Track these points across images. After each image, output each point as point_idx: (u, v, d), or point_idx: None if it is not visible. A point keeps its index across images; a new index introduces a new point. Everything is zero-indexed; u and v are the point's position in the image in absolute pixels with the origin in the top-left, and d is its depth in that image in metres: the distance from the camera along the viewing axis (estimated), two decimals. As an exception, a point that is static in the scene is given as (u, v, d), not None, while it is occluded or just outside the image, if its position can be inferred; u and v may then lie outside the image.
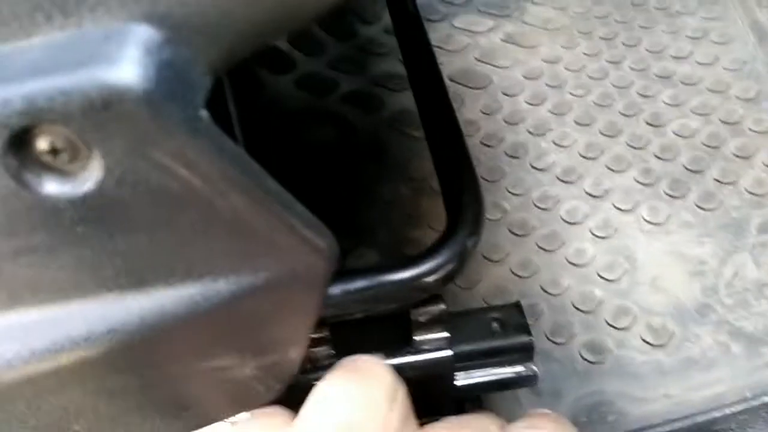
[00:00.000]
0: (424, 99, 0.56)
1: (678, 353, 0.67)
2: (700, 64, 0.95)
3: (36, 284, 0.29)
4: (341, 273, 0.40)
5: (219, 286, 0.31)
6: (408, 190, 0.84)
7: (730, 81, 0.92)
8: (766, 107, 0.88)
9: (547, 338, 0.69)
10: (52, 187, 0.26)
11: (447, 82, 0.98)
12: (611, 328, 0.70)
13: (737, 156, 0.83)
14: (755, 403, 0.54)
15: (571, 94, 0.94)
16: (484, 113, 0.93)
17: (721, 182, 0.80)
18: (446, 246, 0.42)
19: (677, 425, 0.59)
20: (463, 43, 1.04)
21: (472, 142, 0.89)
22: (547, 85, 0.95)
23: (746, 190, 0.79)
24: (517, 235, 0.79)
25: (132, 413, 0.35)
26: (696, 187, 0.80)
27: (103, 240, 0.28)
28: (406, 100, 0.94)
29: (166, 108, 0.24)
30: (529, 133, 0.90)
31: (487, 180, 0.85)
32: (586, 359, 0.67)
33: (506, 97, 0.95)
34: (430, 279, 0.41)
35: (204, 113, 0.26)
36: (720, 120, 0.87)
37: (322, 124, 0.94)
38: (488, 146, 0.89)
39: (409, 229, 0.80)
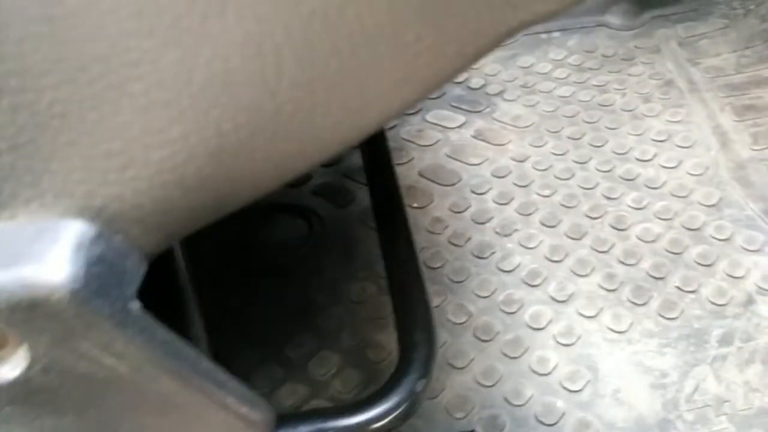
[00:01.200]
0: (386, 231, 0.57)
1: (639, 471, 0.67)
2: (663, 167, 0.98)
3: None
4: (285, 419, 0.40)
5: (152, 457, 0.31)
6: (374, 289, 0.84)
7: (692, 186, 0.94)
8: (728, 214, 0.90)
9: (509, 452, 0.69)
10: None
11: (417, 178, 1.00)
12: (573, 443, 0.69)
13: (699, 264, 0.84)
14: None
15: (537, 194, 0.95)
16: (452, 211, 0.94)
17: (683, 290, 0.81)
18: (395, 390, 0.41)
19: None
20: (435, 138, 1.06)
21: (440, 241, 0.90)
22: (514, 184, 0.97)
23: (708, 300, 0.80)
24: (481, 340, 0.79)
25: None
26: (658, 295, 0.81)
27: (31, 419, 0.28)
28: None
29: (93, 304, 0.25)
30: (496, 233, 0.91)
31: (453, 281, 0.85)
32: (547, 477, 0.66)
33: (474, 195, 0.96)
34: (380, 426, 0.41)
35: (134, 305, 0.26)
36: (682, 226, 0.89)
37: (292, 217, 0.95)
38: (455, 245, 0.90)
39: (374, 331, 0.80)
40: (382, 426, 0.40)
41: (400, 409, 0.41)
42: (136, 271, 0.26)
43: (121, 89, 0.24)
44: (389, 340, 0.79)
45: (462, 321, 0.81)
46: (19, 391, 0.26)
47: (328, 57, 0.25)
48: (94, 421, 0.29)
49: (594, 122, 1.06)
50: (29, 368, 0.26)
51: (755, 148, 0.99)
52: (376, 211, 0.63)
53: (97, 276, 0.25)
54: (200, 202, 0.27)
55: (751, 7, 1.30)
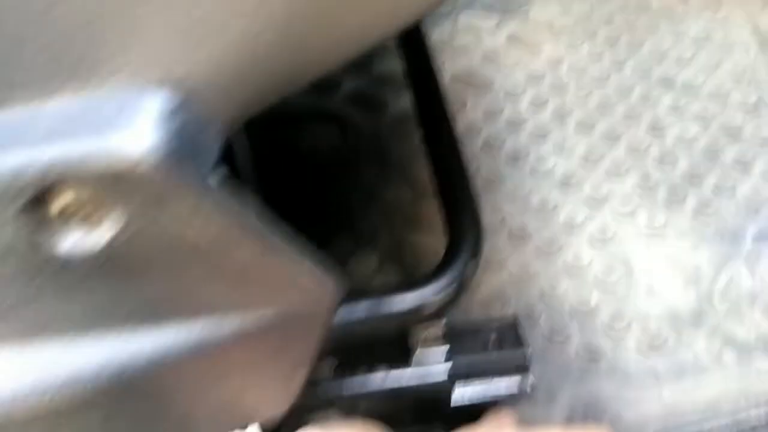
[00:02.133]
0: (428, 124, 0.58)
1: (672, 358, 0.69)
2: (701, 69, 0.96)
3: (49, 324, 0.31)
4: (346, 295, 0.42)
5: (228, 322, 0.33)
6: (410, 193, 0.85)
7: (730, 87, 0.93)
8: (765, 114, 0.89)
9: (544, 339, 0.71)
10: (67, 244, 0.27)
11: (450, 82, 1.00)
12: (607, 332, 0.71)
13: (736, 164, 0.84)
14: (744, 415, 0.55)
15: (573, 96, 0.95)
16: (486, 115, 0.94)
17: (719, 190, 0.82)
18: (446, 271, 0.43)
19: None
20: (467, 41, 1.05)
21: (474, 146, 0.91)
22: (549, 87, 0.96)
23: (744, 198, 0.81)
24: (516, 240, 0.80)
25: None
26: (694, 195, 0.82)
27: (115, 288, 0.30)
28: (409, 101, 0.94)
29: (177, 173, 0.26)
30: (531, 136, 0.91)
31: (487, 183, 0.86)
32: (581, 361, 0.69)
33: (509, 99, 0.96)
34: (431, 304, 0.43)
35: (216, 174, 0.27)
36: (720, 127, 0.88)
37: (324, 125, 0.95)
38: (490, 149, 0.90)
39: (410, 232, 0.81)
40: (435, 303, 0.42)
41: (451, 288, 0.43)
42: (215, 142, 0.28)
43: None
44: (426, 242, 0.81)
45: (497, 222, 0.82)
46: (107, 256, 0.28)
47: None
48: (177, 289, 0.31)
49: (631, 23, 1.04)
50: (117, 234, 0.28)
51: (797, 46, 0.96)
52: (417, 105, 0.63)
53: (181, 145, 0.26)
54: (274, 74, 0.28)
55: None
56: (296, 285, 0.32)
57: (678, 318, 0.72)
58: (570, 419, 0.64)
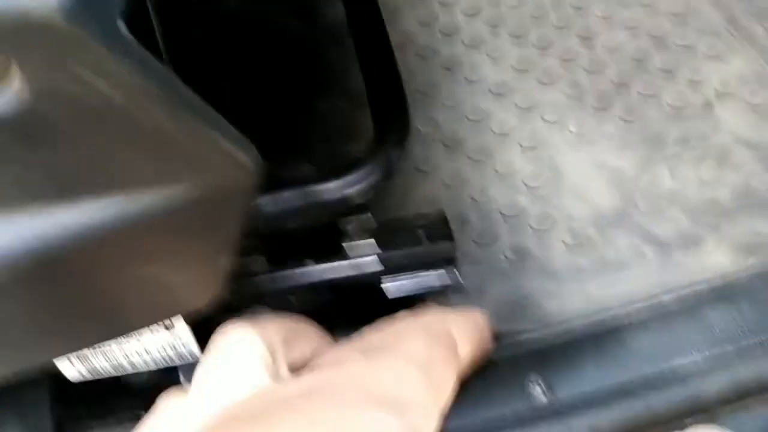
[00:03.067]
0: (355, 10, 0.56)
1: (594, 254, 0.72)
2: (632, -23, 0.97)
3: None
4: (270, 185, 0.42)
5: (144, 198, 0.32)
6: (345, 102, 0.85)
7: (659, -6, 0.94)
8: (692, 23, 0.91)
9: (474, 242, 0.73)
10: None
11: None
12: (534, 232, 0.74)
13: (661, 70, 0.86)
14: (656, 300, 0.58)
15: (506, 5, 0.94)
16: (420, 24, 0.93)
17: (644, 96, 0.84)
18: (372, 158, 0.43)
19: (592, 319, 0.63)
20: (401, -51, 1.03)
21: (407, 54, 0.90)
22: (483, -6, 0.96)
23: (667, 104, 0.83)
24: (448, 147, 0.81)
25: (60, 321, 0.37)
26: (620, 101, 0.84)
27: (24, 153, 0.29)
28: (344, 8, 0.92)
29: (81, 20, 0.25)
30: (464, 45, 0.91)
31: (421, 93, 0.86)
32: (509, 260, 0.71)
33: (442, 7, 0.95)
34: (357, 190, 0.43)
35: (122, 24, 0.26)
36: (647, 34, 0.90)
37: (256, 32, 0.93)
38: (423, 58, 0.90)
39: (346, 142, 0.81)
40: (365, 187, 0.43)
41: (377, 174, 0.43)
42: (118, -4, 0.27)
43: None
44: (362, 150, 0.81)
45: (430, 130, 0.83)
46: (12, 120, 0.27)
47: None
48: (89, 155, 0.30)
49: (564, -68, 1.03)
50: (22, 94, 0.27)
51: (724, -43, 0.98)
52: (350, 15, 0.62)
53: (82, -7, 0.25)
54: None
55: None
56: (210, 159, 0.31)
57: (602, 218, 0.75)
58: (498, 311, 0.66)
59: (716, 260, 0.70)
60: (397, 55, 0.89)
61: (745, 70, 0.86)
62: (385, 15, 0.93)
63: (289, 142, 0.81)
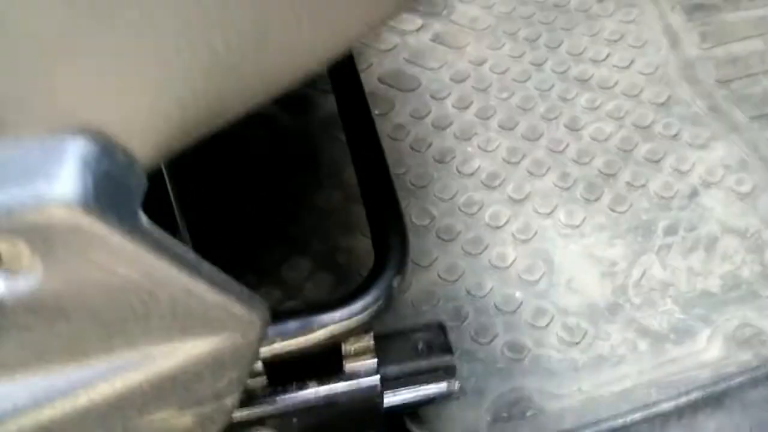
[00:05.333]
0: (355, 140, 0.59)
1: (590, 351, 0.73)
2: (616, 67, 1.01)
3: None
4: (275, 315, 0.43)
5: (158, 353, 0.34)
6: (341, 197, 0.86)
7: (643, 85, 0.98)
8: (676, 112, 0.94)
9: (472, 339, 0.74)
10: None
11: (378, 84, 1.01)
12: (530, 329, 0.75)
13: (647, 160, 0.89)
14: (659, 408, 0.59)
15: (495, 97, 0.98)
16: (413, 117, 0.96)
17: (632, 186, 0.86)
18: (373, 286, 0.45)
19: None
20: (393, 42, 1.06)
21: (401, 147, 0.92)
22: (473, 87, 0.99)
23: (655, 194, 0.85)
24: (444, 240, 0.83)
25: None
26: (609, 191, 0.86)
27: (46, 325, 0.30)
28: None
29: (104, 217, 0.27)
30: (456, 137, 0.93)
31: (416, 185, 0.88)
32: (506, 359, 0.72)
33: (434, 100, 0.98)
34: (359, 318, 0.44)
35: (142, 217, 0.28)
36: (633, 124, 0.93)
37: (251, 127, 0.95)
38: (417, 151, 0.92)
39: (342, 237, 0.83)
40: (363, 318, 0.44)
41: (379, 303, 0.44)
42: (139, 185, 0.28)
43: (116, 11, 0.25)
44: (358, 246, 0.83)
45: (425, 223, 0.85)
46: (37, 300, 0.29)
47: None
48: (107, 324, 0.31)
49: (549, 23, 1.08)
50: (46, 279, 0.28)
51: (703, 46, 1.02)
52: (342, 117, 0.65)
53: (105, 190, 0.27)
54: (194, 117, 0.29)
55: None
56: (220, 319, 0.33)
57: (596, 311, 0.76)
58: (497, 415, 0.67)
59: (710, 355, 0.71)
60: (392, 147, 0.92)
61: (729, 158, 0.89)
62: (380, 109, 0.96)
63: (288, 238, 0.82)
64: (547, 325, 0.75)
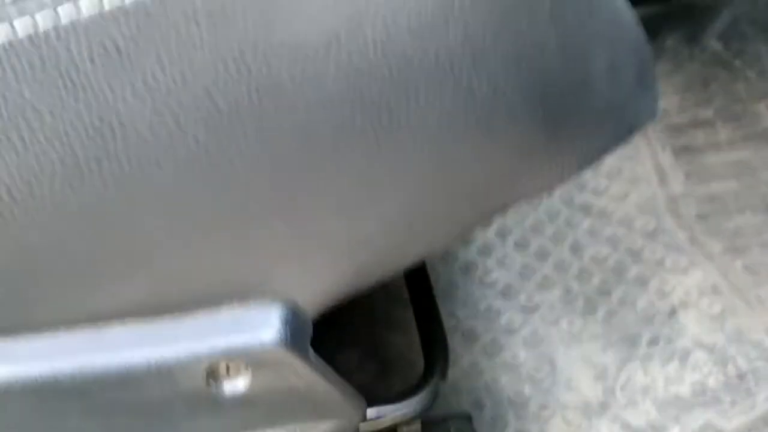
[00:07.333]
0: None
1: (584, 442, 0.90)
2: (613, 198, 1.21)
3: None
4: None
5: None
6: (383, 296, 1.06)
7: (635, 215, 1.17)
8: (661, 240, 1.13)
9: (489, 428, 0.92)
10: (223, 390, 0.46)
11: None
12: (536, 420, 0.92)
13: (636, 281, 1.08)
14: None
15: (511, 219, 1.18)
16: (443, 232, 1.16)
17: (623, 302, 1.05)
18: (426, 386, 0.63)
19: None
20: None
21: (432, 259, 1.12)
22: (493, 209, 1.19)
23: (641, 310, 1.04)
24: (467, 340, 1.01)
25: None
26: (604, 306, 1.05)
27: (242, 412, 0.49)
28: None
29: (292, 352, 0.46)
30: (478, 252, 1.13)
31: (443, 292, 1.08)
32: (516, 446, 0.90)
33: (461, 219, 1.18)
34: (416, 410, 0.63)
35: (311, 350, 0.47)
36: (625, 249, 1.12)
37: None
38: (445, 263, 1.12)
39: (384, 332, 1.01)
40: (418, 410, 0.62)
41: (429, 399, 0.63)
42: (311, 328, 0.48)
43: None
44: (398, 341, 1.01)
45: (452, 325, 1.03)
46: (243, 399, 0.47)
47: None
48: (274, 410, 0.50)
49: (558, 157, 1.28)
50: (252, 385, 0.47)
51: (687, 184, 1.22)
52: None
53: (294, 336, 0.46)
54: (356, 284, 0.49)
55: (696, 51, 1.54)
56: (328, 408, 0.51)
57: (589, 408, 0.93)
58: (507, 488, 0.84)
59: (678, 450, 0.88)
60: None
61: (704, 283, 1.08)
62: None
63: (339, 331, 1.01)
64: (550, 417, 0.93)
